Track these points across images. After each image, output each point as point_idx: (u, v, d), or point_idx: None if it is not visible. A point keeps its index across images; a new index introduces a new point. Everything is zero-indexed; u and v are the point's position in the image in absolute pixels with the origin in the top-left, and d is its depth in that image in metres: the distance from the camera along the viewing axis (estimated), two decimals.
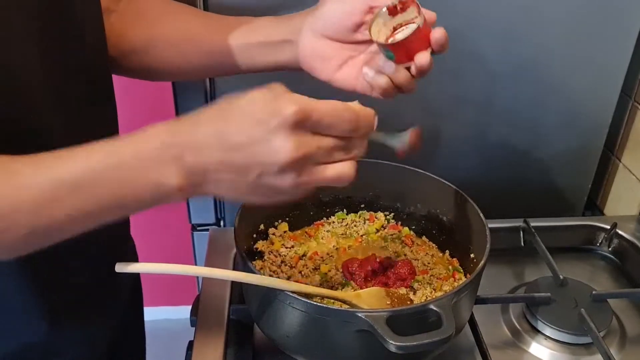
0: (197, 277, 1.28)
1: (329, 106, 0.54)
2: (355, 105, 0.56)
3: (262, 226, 0.86)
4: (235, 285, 0.88)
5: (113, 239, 0.83)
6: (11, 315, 0.71)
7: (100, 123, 0.72)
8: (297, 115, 0.51)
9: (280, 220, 0.88)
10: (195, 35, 0.78)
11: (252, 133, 0.52)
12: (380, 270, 0.81)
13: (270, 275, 0.78)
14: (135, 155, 0.53)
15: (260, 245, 0.84)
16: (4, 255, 0.57)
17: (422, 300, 0.76)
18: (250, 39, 0.76)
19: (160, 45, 0.78)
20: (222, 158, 0.53)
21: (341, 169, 0.56)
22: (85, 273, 0.76)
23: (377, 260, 0.81)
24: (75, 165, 0.53)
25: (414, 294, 0.78)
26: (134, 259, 0.93)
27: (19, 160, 0.53)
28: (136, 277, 0.96)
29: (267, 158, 0.52)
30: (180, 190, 0.54)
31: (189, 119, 0.55)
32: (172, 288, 2.10)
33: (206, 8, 0.94)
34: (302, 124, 0.52)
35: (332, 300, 0.71)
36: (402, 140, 0.65)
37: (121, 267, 0.62)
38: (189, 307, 0.88)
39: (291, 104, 0.52)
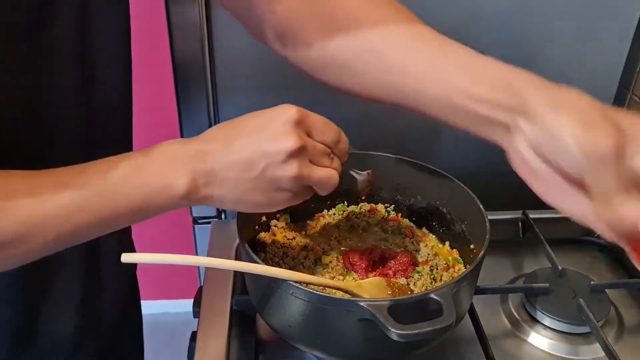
0: (198, 270, 1.29)
1: (320, 117, 0.63)
2: (338, 127, 0.65)
3: (263, 218, 0.87)
4: (238, 277, 0.89)
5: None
6: (4, 314, 0.72)
7: None
8: (298, 113, 0.59)
9: (281, 212, 0.89)
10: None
11: (258, 129, 0.59)
12: (380, 262, 0.82)
13: (273, 266, 0.79)
14: (149, 163, 0.58)
15: (262, 236, 0.85)
16: (29, 259, 0.58)
17: (423, 290, 0.77)
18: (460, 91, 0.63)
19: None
20: (229, 158, 0.58)
21: (330, 172, 0.63)
22: (80, 268, 0.76)
23: (378, 251, 0.82)
24: (94, 177, 0.56)
25: (414, 284, 0.79)
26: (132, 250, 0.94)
27: (40, 175, 0.56)
28: (132, 272, 0.96)
29: (273, 147, 0.58)
30: (187, 193, 0.57)
31: (199, 135, 0.61)
32: (171, 282, 2.10)
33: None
34: (301, 122, 0.60)
35: (334, 290, 0.72)
36: (363, 177, 0.78)
37: (127, 258, 0.62)
38: (189, 301, 0.89)
39: (292, 106, 0.60)
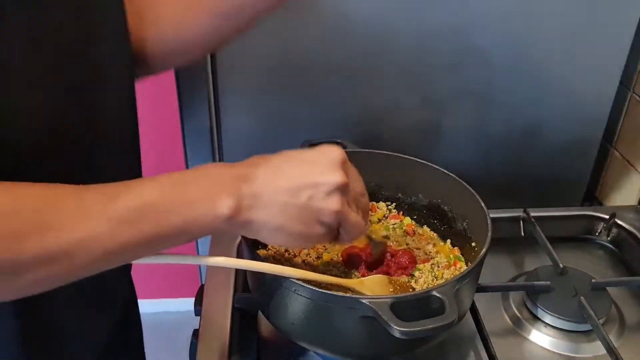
0: (199, 269, 1.29)
1: (352, 164, 0.65)
2: None
3: None
4: (240, 275, 0.89)
5: None
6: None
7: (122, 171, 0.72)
8: (342, 155, 0.62)
9: None
10: None
11: (308, 162, 0.61)
12: (381, 259, 0.82)
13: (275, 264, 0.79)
14: (194, 181, 0.58)
15: None
16: (78, 276, 0.56)
17: (424, 288, 0.77)
18: None
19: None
20: (277, 183, 0.59)
21: (360, 219, 0.65)
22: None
23: (378, 248, 0.82)
24: (141, 192, 0.56)
25: (416, 282, 0.79)
26: None
27: (88, 190, 0.55)
28: (127, 272, 0.96)
29: (322, 178, 0.60)
30: (231, 214, 0.57)
31: (242, 162, 0.61)
32: (172, 280, 2.10)
33: None
34: (344, 165, 0.62)
35: (336, 288, 0.72)
36: (376, 244, 0.81)
37: None
38: (189, 299, 0.88)
39: (338, 149, 0.62)
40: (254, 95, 1.07)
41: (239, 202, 0.57)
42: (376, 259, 0.81)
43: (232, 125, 1.08)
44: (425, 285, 0.78)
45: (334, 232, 0.64)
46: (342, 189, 0.60)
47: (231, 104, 1.07)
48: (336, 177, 0.60)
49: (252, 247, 0.72)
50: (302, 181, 0.59)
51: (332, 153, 0.62)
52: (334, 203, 0.60)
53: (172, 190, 0.57)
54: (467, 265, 0.82)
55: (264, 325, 0.83)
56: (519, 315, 0.88)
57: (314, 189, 0.59)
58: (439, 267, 0.82)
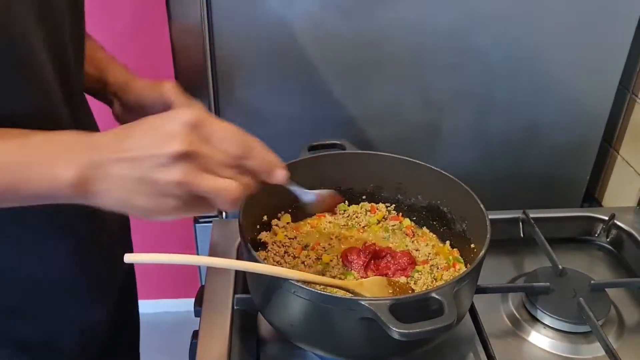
0: (199, 269, 1.29)
1: (224, 125, 0.58)
2: (255, 141, 0.60)
3: (265, 217, 0.87)
4: (239, 276, 0.89)
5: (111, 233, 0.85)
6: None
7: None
8: (194, 117, 0.55)
9: (283, 212, 0.89)
10: None
11: (151, 129, 0.56)
12: (377, 258, 0.82)
13: (274, 266, 0.79)
14: (43, 143, 0.56)
15: (264, 236, 0.85)
16: None
17: (423, 289, 0.77)
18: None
19: None
20: (118, 154, 0.55)
21: (224, 184, 0.57)
22: (77, 268, 0.77)
23: (374, 247, 0.83)
24: None
25: (415, 283, 0.79)
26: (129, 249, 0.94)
27: None
28: (130, 271, 0.97)
29: (158, 149, 0.54)
30: (71, 184, 0.55)
31: (106, 131, 0.58)
32: (172, 281, 2.10)
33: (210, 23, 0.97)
34: (197, 127, 0.55)
35: (335, 289, 0.73)
36: (310, 197, 0.75)
37: (129, 258, 0.62)
38: (189, 300, 0.89)
39: (193, 109, 0.57)
40: (254, 95, 1.07)
41: (82, 171, 0.54)
42: (325, 210, 0.85)
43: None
44: (425, 287, 0.78)
45: (198, 201, 0.57)
46: (184, 157, 0.54)
47: (231, 104, 1.07)
48: (173, 145, 0.54)
49: (251, 249, 0.72)
50: (140, 152, 0.55)
51: (179, 117, 0.56)
52: (172, 174, 0.54)
53: (11, 147, 0.55)
54: (466, 267, 0.82)
55: (264, 326, 0.83)
56: (518, 316, 0.88)
57: (149, 160, 0.54)
58: (438, 268, 0.82)
